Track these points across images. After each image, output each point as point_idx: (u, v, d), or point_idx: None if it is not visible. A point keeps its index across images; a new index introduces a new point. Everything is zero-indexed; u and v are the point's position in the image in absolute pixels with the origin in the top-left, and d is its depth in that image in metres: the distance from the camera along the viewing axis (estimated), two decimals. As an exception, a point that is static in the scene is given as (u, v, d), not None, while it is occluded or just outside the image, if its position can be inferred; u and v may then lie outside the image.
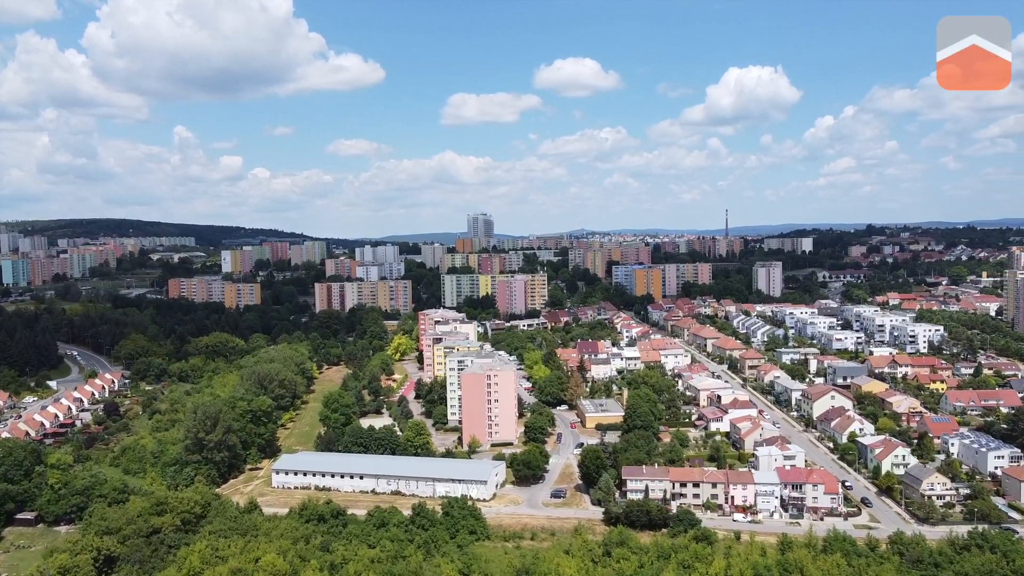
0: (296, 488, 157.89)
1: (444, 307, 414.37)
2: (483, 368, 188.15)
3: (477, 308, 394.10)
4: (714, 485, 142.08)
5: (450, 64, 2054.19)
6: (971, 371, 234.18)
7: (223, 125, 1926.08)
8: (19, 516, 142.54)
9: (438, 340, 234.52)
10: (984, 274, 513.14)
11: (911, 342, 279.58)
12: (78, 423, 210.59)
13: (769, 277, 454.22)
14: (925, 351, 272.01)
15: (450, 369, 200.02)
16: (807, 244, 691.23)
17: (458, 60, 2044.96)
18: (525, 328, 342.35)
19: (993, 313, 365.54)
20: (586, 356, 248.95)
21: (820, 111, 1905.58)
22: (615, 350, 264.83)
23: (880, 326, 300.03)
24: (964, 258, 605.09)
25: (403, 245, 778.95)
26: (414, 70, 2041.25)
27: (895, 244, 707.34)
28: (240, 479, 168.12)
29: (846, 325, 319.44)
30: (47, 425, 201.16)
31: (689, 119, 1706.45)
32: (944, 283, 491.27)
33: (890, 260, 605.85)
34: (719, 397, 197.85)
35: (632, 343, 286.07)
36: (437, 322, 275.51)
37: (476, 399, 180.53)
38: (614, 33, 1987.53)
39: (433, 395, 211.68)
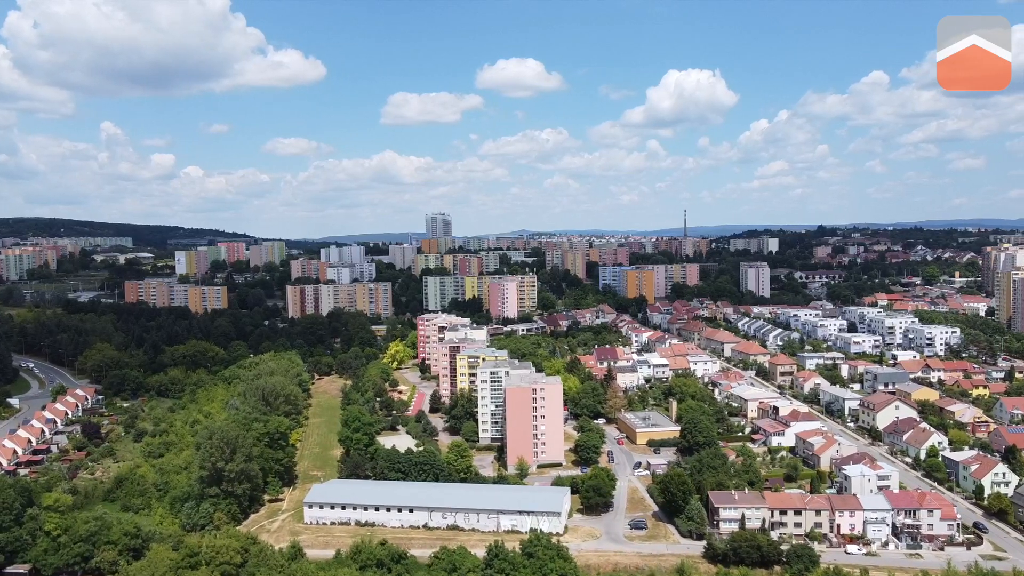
0: (334, 524, 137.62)
1: (428, 310, 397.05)
2: (526, 380, 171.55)
3: (465, 311, 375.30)
4: (818, 512, 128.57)
5: (392, 62, 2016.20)
6: (1001, 375, 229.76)
7: (154, 122, 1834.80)
8: (10, 570, 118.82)
9: (456, 348, 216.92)
10: (956, 274, 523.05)
11: (928, 344, 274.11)
12: (54, 448, 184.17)
13: (758, 278, 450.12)
14: (942, 354, 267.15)
15: (481, 381, 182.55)
16: (773, 244, 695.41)
17: (400, 58, 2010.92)
18: (524, 333, 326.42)
19: (982, 313, 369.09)
20: (613, 364, 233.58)
21: (755, 115, 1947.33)
22: (639, 356, 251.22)
23: (890, 328, 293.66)
24: (929, 258, 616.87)
25: (366, 246, 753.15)
26: (355, 67, 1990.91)
27: (859, 245, 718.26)
28: (262, 514, 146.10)
29: (851, 327, 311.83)
30: (19, 452, 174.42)
31: (629, 121, 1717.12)
32: (918, 283, 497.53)
33: (859, 261, 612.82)
34: (775, 409, 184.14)
35: (648, 349, 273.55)
36: (442, 328, 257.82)
37: (521, 415, 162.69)
38: (557, 34, 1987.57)
39: (458, 410, 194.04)
